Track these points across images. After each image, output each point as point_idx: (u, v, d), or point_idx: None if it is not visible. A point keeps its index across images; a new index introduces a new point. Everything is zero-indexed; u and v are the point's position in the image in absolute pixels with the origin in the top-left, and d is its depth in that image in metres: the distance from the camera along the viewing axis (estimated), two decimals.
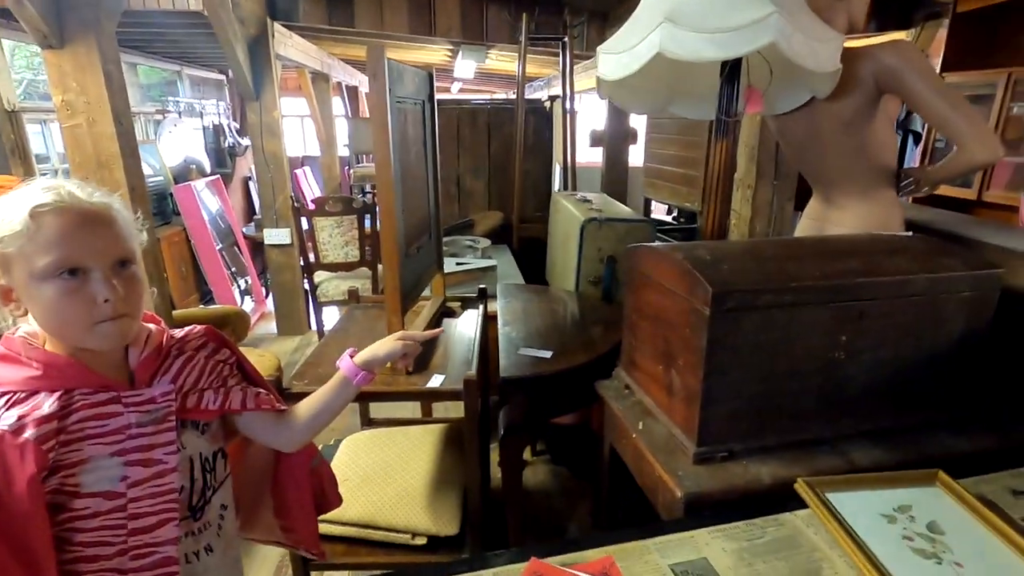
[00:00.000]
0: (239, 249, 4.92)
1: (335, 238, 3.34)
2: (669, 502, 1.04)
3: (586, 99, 6.78)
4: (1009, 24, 2.75)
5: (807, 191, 1.79)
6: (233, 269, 4.61)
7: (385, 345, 1.02)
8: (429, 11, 3.76)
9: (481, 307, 1.90)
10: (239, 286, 4.61)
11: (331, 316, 3.47)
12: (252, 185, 6.09)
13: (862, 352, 1.11)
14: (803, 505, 0.93)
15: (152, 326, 0.84)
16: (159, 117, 4.88)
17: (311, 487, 1.05)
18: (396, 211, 1.39)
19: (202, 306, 4.30)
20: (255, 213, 5.81)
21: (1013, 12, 2.67)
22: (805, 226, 1.75)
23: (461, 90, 9.13)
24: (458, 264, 2.86)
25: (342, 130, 6.69)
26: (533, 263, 3.30)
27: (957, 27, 2.87)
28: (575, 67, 3.72)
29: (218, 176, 5.13)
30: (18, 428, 0.67)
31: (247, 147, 5.66)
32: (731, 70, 1.37)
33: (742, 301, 1.01)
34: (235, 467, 0.96)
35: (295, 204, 3.39)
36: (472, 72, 5.38)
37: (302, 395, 1.00)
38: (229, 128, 5.67)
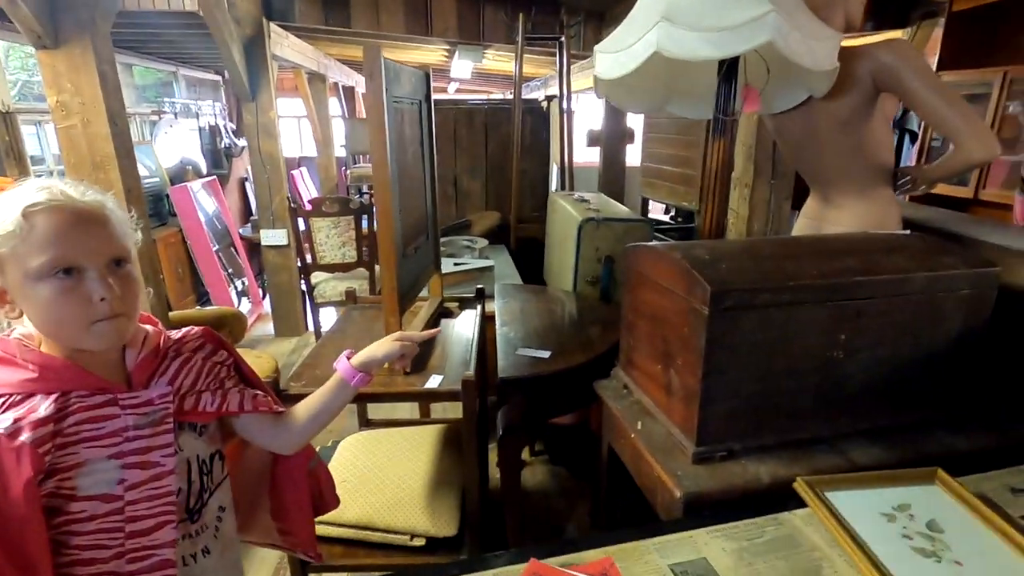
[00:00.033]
0: (236, 250, 4.91)
1: (332, 239, 3.33)
2: (668, 502, 1.04)
3: (583, 99, 6.77)
4: (1005, 23, 2.76)
5: (804, 190, 1.79)
6: (230, 270, 4.60)
7: (383, 346, 1.02)
8: (425, 11, 3.75)
9: (479, 307, 1.90)
10: (236, 287, 4.59)
11: (328, 317, 3.46)
12: (249, 186, 6.07)
13: (860, 351, 1.11)
14: (802, 504, 0.93)
15: (149, 327, 0.84)
16: (155, 118, 4.86)
17: (309, 489, 1.05)
18: (393, 211, 1.39)
19: (199, 307, 4.28)
20: (252, 214, 5.80)
21: (1009, 11, 2.68)
22: (803, 225, 1.75)
23: (458, 90, 9.13)
24: (456, 264, 2.86)
25: (339, 131, 6.68)
26: (531, 263, 3.30)
27: (953, 26, 2.88)
28: (572, 67, 3.71)
29: (214, 177, 5.11)
30: (14, 431, 0.66)
31: (243, 148, 5.64)
32: (728, 69, 1.37)
33: (740, 300, 1.01)
34: (232, 469, 0.95)
35: (292, 205, 3.39)
36: (469, 72, 5.38)
37: (300, 396, 1.00)
38: (225, 129, 5.66)
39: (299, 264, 3.45)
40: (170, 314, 2.76)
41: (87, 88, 1.88)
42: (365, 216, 3.27)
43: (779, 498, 0.95)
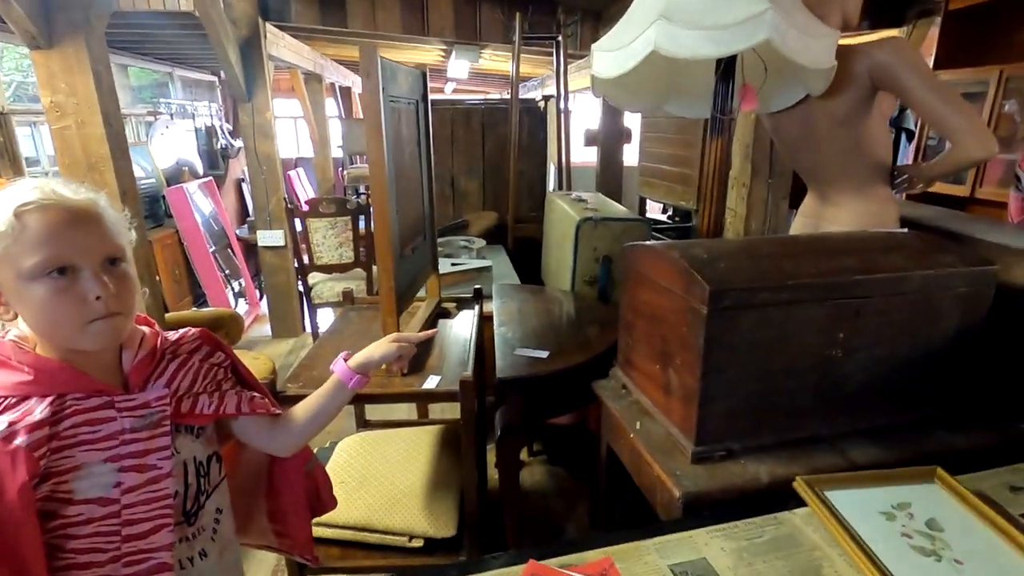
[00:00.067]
0: (232, 251, 4.90)
1: (329, 239, 3.32)
2: (667, 502, 1.04)
3: (580, 99, 6.78)
4: (1001, 22, 2.76)
5: (802, 189, 1.79)
6: (227, 271, 4.59)
7: (380, 347, 1.01)
8: (422, 11, 3.75)
9: (477, 308, 1.90)
10: (233, 288, 4.58)
11: (326, 318, 3.45)
12: (245, 187, 6.06)
13: (859, 349, 1.11)
14: (802, 504, 0.92)
15: (146, 329, 0.83)
16: (151, 119, 4.85)
17: (306, 491, 1.04)
18: (390, 212, 1.39)
19: (195, 309, 4.27)
20: (248, 215, 5.79)
21: (1005, 10, 2.68)
22: (800, 224, 1.75)
23: (455, 90, 9.12)
24: (453, 265, 2.85)
25: (335, 131, 6.67)
26: (528, 263, 3.30)
27: (949, 25, 2.88)
28: (569, 66, 3.71)
29: (211, 178, 5.10)
30: (9, 435, 0.66)
31: (240, 149, 5.63)
32: (726, 68, 1.37)
33: (739, 299, 1.01)
34: (229, 471, 0.94)
35: (289, 206, 3.37)
36: (466, 72, 5.37)
37: (297, 398, 1.00)
38: (221, 130, 5.64)
39: (296, 265, 3.43)
40: (166, 315, 2.76)
41: (82, 88, 1.88)
42: (362, 216, 3.26)
43: (779, 497, 0.95)
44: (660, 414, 1.20)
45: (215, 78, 6.04)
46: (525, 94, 6.23)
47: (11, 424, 0.66)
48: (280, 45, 3.75)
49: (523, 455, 2.45)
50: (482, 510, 1.49)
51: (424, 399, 2.04)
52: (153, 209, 4.28)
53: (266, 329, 4.12)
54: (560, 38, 3.62)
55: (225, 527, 0.90)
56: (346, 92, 7.68)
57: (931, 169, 1.52)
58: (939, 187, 2.75)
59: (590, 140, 4.36)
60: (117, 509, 0.73)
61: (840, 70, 1.35)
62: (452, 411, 2.41)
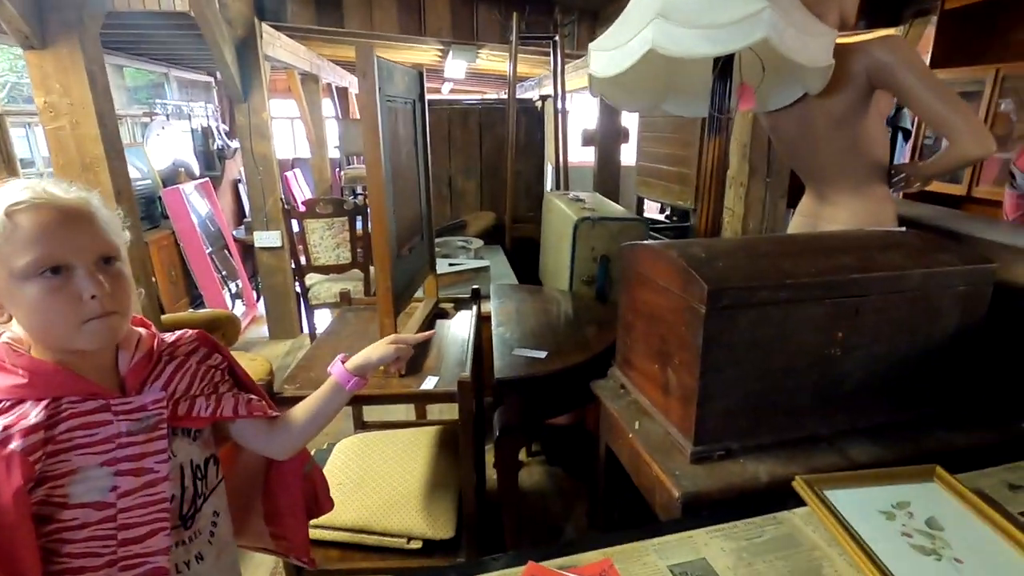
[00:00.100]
0: (229, 252, 4.88)
1: (326, 240, 3.31)
2: (666, 502, 1.03)
3: (577, 98, 6.78)
4: (997, 21, 2.77)
5: (800, 188, 1.79)
6: (223, 273, 4.57)
7: (377, 349, 1.01)
8: (419, 11, 3.74)
9: (474, 308, 1.89)
10: (230, 290, 4.57)
11: (323, 319, 3.44)
12: (242, 188, 6.05)
13: (857, 348, 1.11)
14: (801, 503, 0.92)
15: (142, 330, 0.82)
16: (146, 120, 4.83)
17: (303, 493, 1.04)
18: (387, 212, 1.38)
19: (192, 310, 4.26)
20: (245, 216, 5.78)
21: (1001, 9, 2.69)
22: (798, 223, 1.75)
23: (452, 91, 9.11)
24: (451, 265, 2.85)
25: (332, 132, 6.66)
26: (526, 263, 3.30)
27: (945, 24, 2.89)
28: (566, 66, 3.71)
29: (207, 179, 5.09)
30: (3, 439, 0.65)
31: (236, 149, 5.61)
32: (723, 66, 1.37)
33: (738, 298, 1.01)
34: (226, 472, 0.94)
35: (285, 206, 3.36)
36: (463, 72, 5.37)
37: (294, 399, 0.99)
38: (218, 130, 5.62)
39: (293, 266, 3.42)
40: (162, 317, 2.75)
41: (75, 89, 1.87)
42: (359, 217, 3.26)
43: (778, 497, 0.94)
44: (659, 414, 1.19)
45: (211, 79, 6.02)
46: (522, 94, 6.23)
47: (6, 428, 0.66)
48: (276, 45, 3.73)
49: (521, 456, 2.44)
50: (480, 511, 1.49)
51: (422, 400, 2.03)
52: (149, 210, 4.27)
53: (263, 330, 4.11)
54: (557, 38, 3.62)
55: (222, 530, 0.89)
56: (343, 92, 7.67)
57: (928, 168, 1.52)
58: (935, 186, 2.76)
59: (587, 140, 4.37)
60: (113, 513, 0.72)
61: (838, 69, 1.35)
62: (450, 412, 2.41)
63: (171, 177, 4.71)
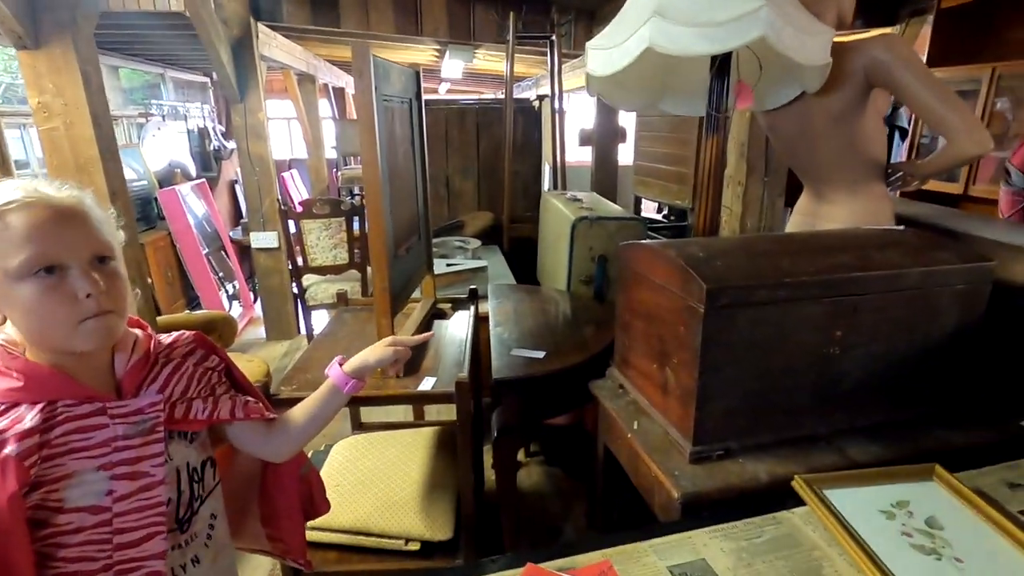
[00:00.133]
0: (226, 253, 4.87)
1: (323, 241, 3.30)
2: (666, 502, 1.03)
3: (575, 98, 6.78)
4: (993, 19, 2.77)
5: (797, 187, 1.79)
6: (220, 274, 4.55)
7: (375, 352, 1.00)
8: (415, 11, 3.73)
9: (472, 308, 1.89)
10: (226, 291, 4.55)
11: (320, 320, 3.43)
12: (238, 188, 6.03)
13: (856, 347, 1.11)
14: (801, 503, 0.92)
15: (138, 332, 0.82)
16: (142, 120, 4.81)
17: (300, 495, 1.03)
18: (384, 212, 1.37)
19: (188, 311, 4.24)
20: (242, 217, 5.75)
21: (997, 7, 2.70)
22: (796, 222, 1.75)
23: (449, 91, 9.11)
24: (448, 265, 2.84)
25: (329, 132, 6.64)
26: (524, 263, 3.29)
27: (942, 23, 2.89)
28: (563, 66, 3.71)
29: (203, 180, 5.07)
30: None
31: (233, 150, 5.60)
32: (721, 65, 1.36)
33: (736, 297, 1.00)
34: (222, 474, 0.93)
35: (282, 207, 3.36)
36: (460, 72, 5.36)
37: (291, 401, 0.98)
38: (214, 131, 5.61)
39: (290, 267, 3.41)
40: (159, 318, 2.74)
41: (69, 89, 1.86)
42: (356, 217, 3.25)
43: (777, 497, 0.94)
44: (657, 414, 1.19)
45: (207, 79, 6.00)
46: (520, 94, 6.23)
47: (1, 432, 0.65)
48: (272, 45, 3.72)
49: (520, 456, 2.44)
50: (479, 512, 1.48)
51: (420, 401, 2.03)
52: (145, 211, 4.25)
53: (260, 331, 4.10)
54: (554, 38, 3.62)
55: (220, 532, 0.88)
56: (339, 93, 7.65)
57: (926, 166, 1.52)
58: (932, 184, 2.76)
59: (585, 139, 4.36)
60: (109, 517, 0.71)
61: (835, 67, 1.35)
62: (448, 412, 2.41)
63: (167, 178, 4.70)
